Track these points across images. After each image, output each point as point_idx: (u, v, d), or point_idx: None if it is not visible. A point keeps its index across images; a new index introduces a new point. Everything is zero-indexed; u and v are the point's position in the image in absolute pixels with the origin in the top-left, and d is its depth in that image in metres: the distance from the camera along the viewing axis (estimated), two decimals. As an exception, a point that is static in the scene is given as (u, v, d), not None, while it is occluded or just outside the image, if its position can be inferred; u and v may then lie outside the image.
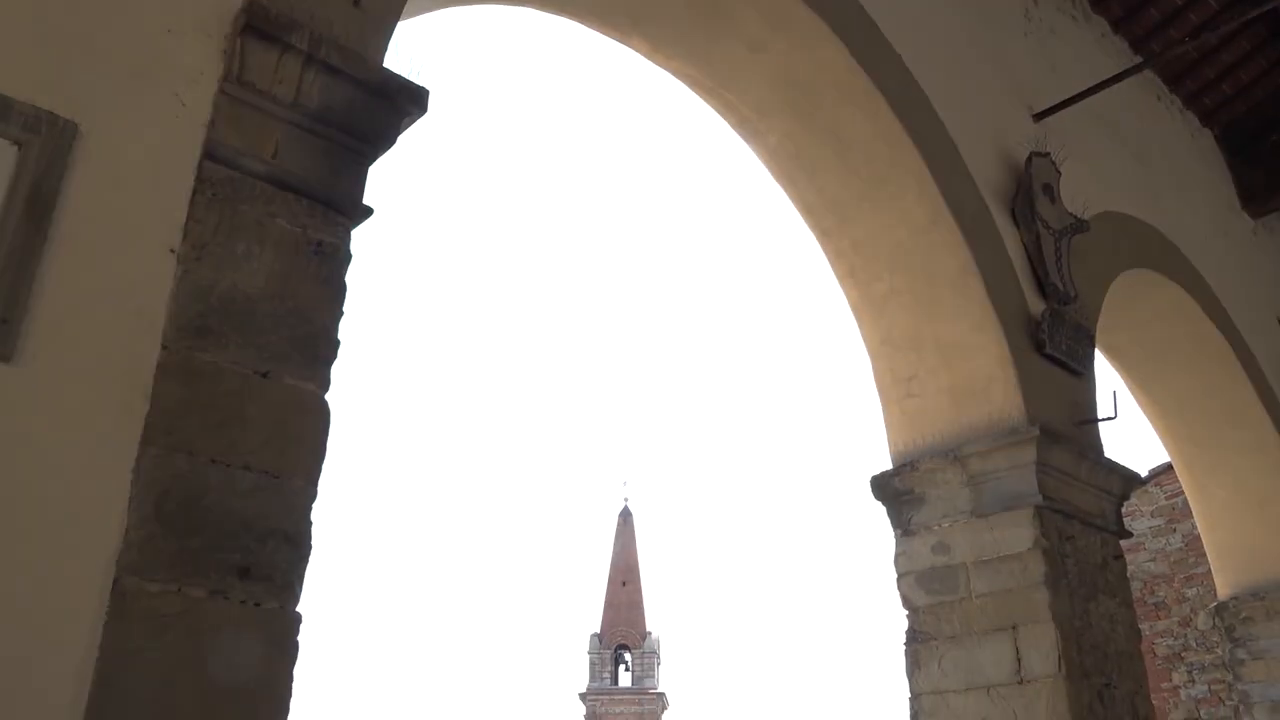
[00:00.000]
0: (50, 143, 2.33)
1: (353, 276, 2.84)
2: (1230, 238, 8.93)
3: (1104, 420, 6.00)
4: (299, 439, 2.56)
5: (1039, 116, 6.67)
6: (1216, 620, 8.19)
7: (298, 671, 2.39)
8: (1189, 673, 10.60)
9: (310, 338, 2.66)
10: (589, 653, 45.95)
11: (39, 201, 2.28)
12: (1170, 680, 10.64)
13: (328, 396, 2.66)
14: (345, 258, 2.83)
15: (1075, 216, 6.30)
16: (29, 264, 2.23)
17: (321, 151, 2.84)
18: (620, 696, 44.90)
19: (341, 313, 2.77)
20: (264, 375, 2.54)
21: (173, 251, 2.48)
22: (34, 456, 2.15)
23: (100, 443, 2.25)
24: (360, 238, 2.92)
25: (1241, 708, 7.97)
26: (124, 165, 2.46)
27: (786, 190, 6.10)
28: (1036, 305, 5.90)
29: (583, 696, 45.05)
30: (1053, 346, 5.78)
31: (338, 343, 2.73)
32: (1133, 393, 8.16)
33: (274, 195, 2.72)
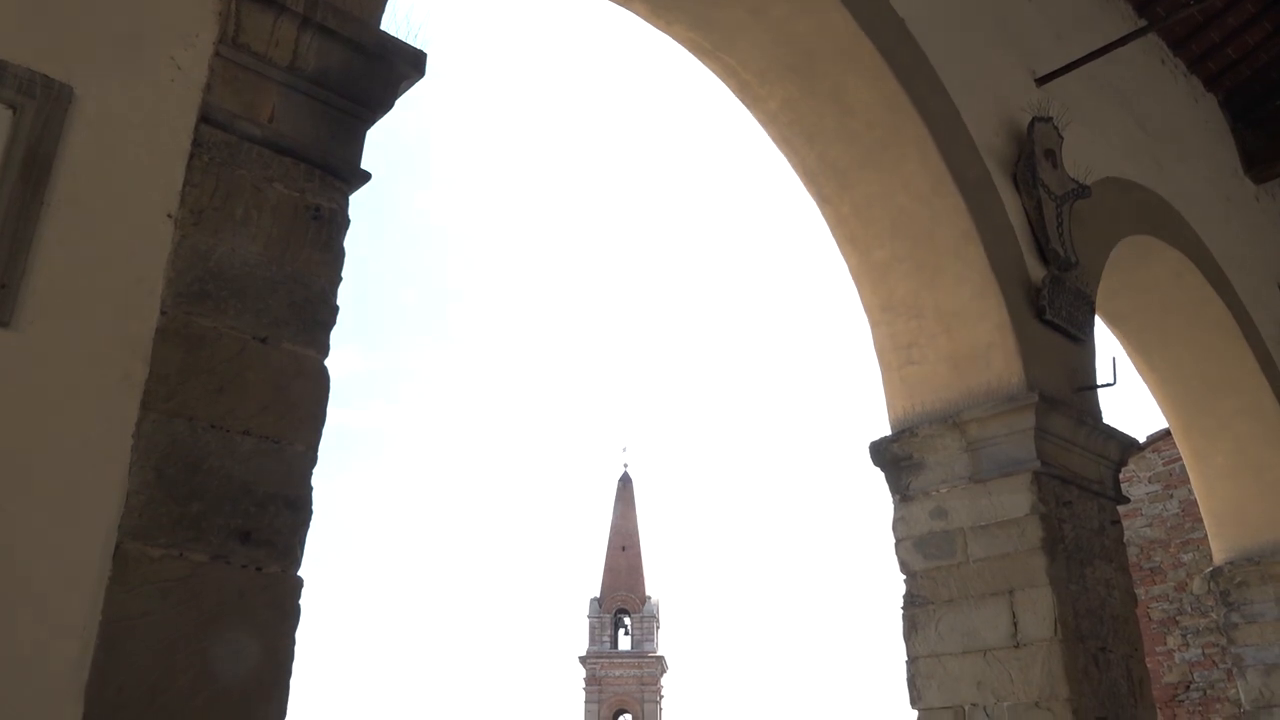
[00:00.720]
0: (45, 106, 2.31)
1: (351, 242, 2.84)
2: (1232, 203, 8.89)
3: (1103, 386, 6.01)
4: (298, 404, 2.56)
5: (1042, 81, 6.62)
6: (1211, 585, 8.25)
7: (299, 635, 2.41)
8: (1183, 636, 10.69)
9: (308, 303, 2.66)
10: (589, 616, 46.33)
11: (35, 165, 2.27)
12: (1165, 644, 10.73)
13: (327, 362, 2.66)
14: (343, 223, 2.82)
15: (1077, 182, 6.27)
16: (27, 228, 2.22)
17: (318, 115, 2.82)
18: (620, 659, 45.31)
19: (340, 278, 2.76)
20: (263, 341, 2.54)
21: (170, 216, 2.47)
22: (34, 422, 2.15)
23: (100, 408, 2.25)
24: (357, 202, 2.91)
25: (1235, 670, 8.05)
26: (120, 129, 2.44)
27: (787, 155, 6.06)
28: (1037, 271, 5.89)
29: (583, 659, 45.47)
30: (1053, 313, 5.78)
31: (336, 308, 2.73)
32: (1132, 359, 8.17)
33: (271, 159, 2.70)
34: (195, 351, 2.41)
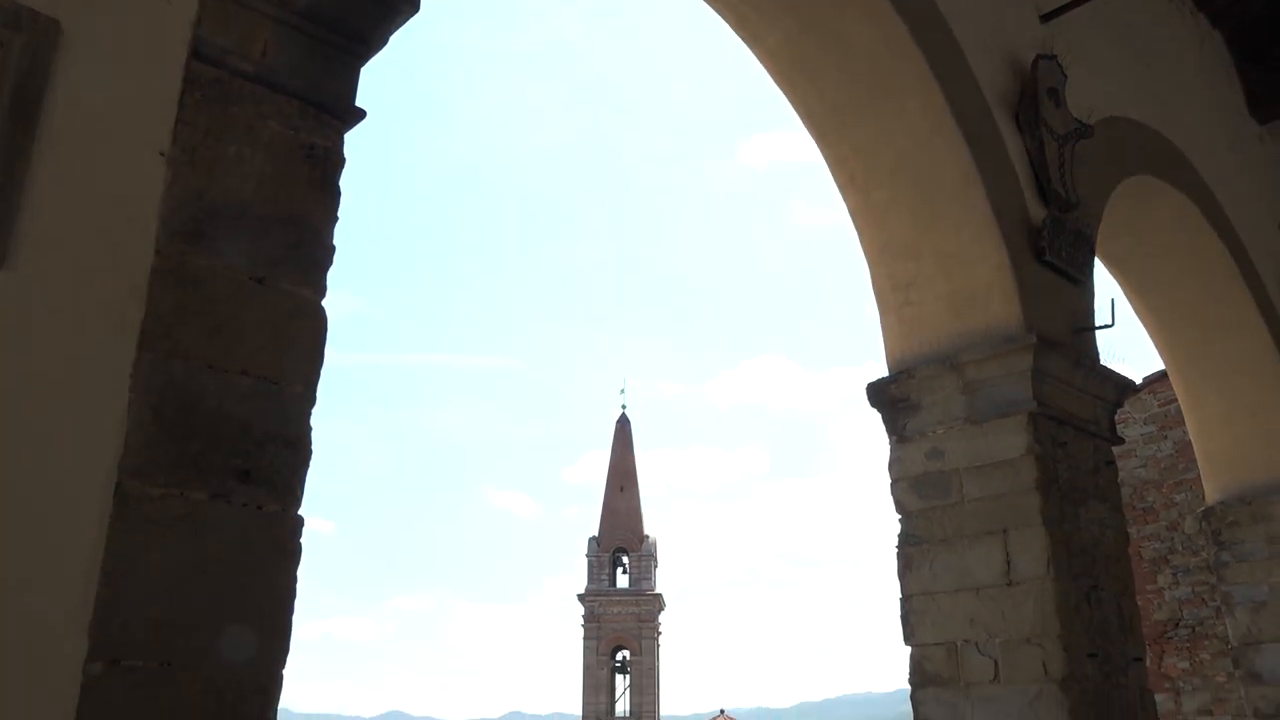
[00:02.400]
0: (33, 41, 2.26)
1: (347, 180, 2.81)
2: (1236, 143, 8.81)
3: (1101, 328, 6.01)
4: (296, 345, 2.55)
5: (1046, 18, 6.51)
6: (1203, 524, 8.34)
7: (301, 572, 2.44)
8: (1174, 575, 10.84)
9: (304, 243, 2.64)
10: (587, 555, 46.87)
11: (25, 101, 2.23)
12: (1155, 582, 10.88)
13: (324, 302, 2.65)
14: (338, 161, 2.78)
15: (1080, 122, 6.20)
16: (18, 166, 2.19)
17: (311, 51, 2.77)
18: (618, 597, 45.94)
19: (336, 217, 2.74)
20: (259, 281, 2.52)
21: (162, 154, 2.44)
22: (31, 361, 2.15)
23: (96, 347, 2.24)
24: (353, 140, 2.87)
25: (1224, 608, 8.18)
26: (109, 65, 2.40)
27: (787, 93, 5.99)
28: (1038, 212, 5.85)
29: (581, 597, 46.10)
30: (1053, 254, 5.75)
31: (332, 248, 2.71)
32: (1130, 301, 8.16)
33: (264, 97, 2.66)
34: (191, 291, 2.40)
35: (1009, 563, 5.14)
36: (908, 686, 5.40)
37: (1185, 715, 10.35)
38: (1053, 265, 5.78)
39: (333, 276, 2.72)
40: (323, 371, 2.61)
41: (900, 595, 5.53)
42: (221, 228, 2.49)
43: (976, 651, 5.14)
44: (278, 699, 2.32)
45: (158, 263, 2.37)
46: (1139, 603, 5.73)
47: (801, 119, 6.02)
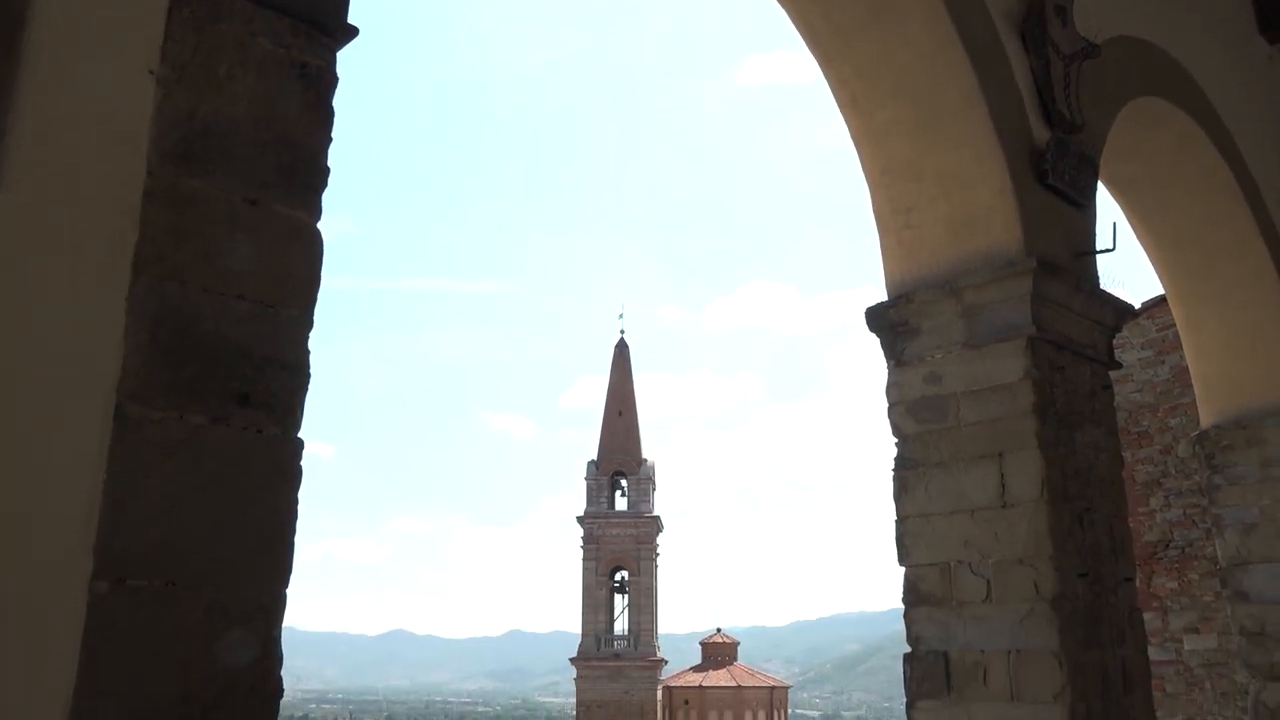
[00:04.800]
0: (14, -46, 2.20)
1: (340, 101, 2.76)
2: (1244, 65, 8.66)
3: (1102, 252, 5.98)
4: (291, 268, 2.54)
5: (1056, -68, 6.33)
6: (1197, 448, 8.42)
7: (301, 494, 2.46)
8: (1166, 498, 10.97)
9: (298, 164, 2.60)
10: (586, 478, 47.39)
11: (7, 16, 2.17)
12: (1147, 505, 11.02)
13: (319, 225, 2.63)
14: (331, 80, 2.73)
15: (1087, 41, 6.08)
16: (4, 84, 2.15)
17: (301, -35, 2.69)
18: (616, 520, 46.58)
19: (330, 139, 2.69)
20: (253, 203, 2.50)
21: (151, 73, 2.39)
22: (25, 284, 2.13)
23: (91, 270, 2.23)
24: (346, 58, 2.81)
25: (1214, 530, 8.30)
26: (94, -21, 2.34)
27: (788, 10, 5.86)
28: (1042, 134, 5.78)
29: (581, 520, 46.73)
30: (1055, 177, 5.70)
31: (326, 170, 2.67)
32: (1132, 224, 8.10)
33: (254, 13, 2.60)
34: (184, 213, 2.37)
35: (1004, 485, 5.20)
36: (901, 606, 5.50)
37: (1172, 633, 10.57)
38: (1055, 188, 5.73)
39: (327, 200, 2.69)
40: (320, 296, 2.60)
41: (896, 517, 5.60)
42: (214, 149, 2.45)
43: (969, 572, 5.22)
44: (281, 617, 2.36)
45: (150, 185, 2.34)
46: (1130, 525, 5.81)
47: (804, 38, 5.91)
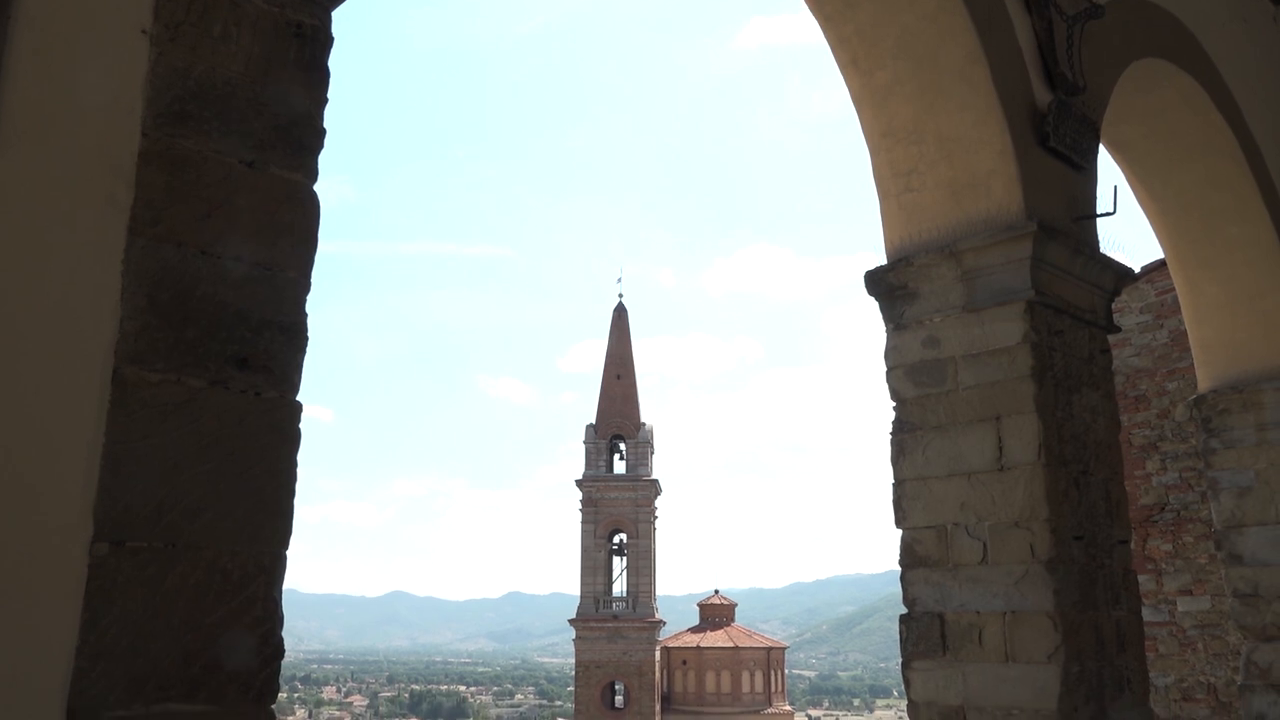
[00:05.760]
0: (2, -90, 2.16)
1: (336, 62, 2.73)
2: (1248, 25, 8.57)
3: (1103, 216, 5.96)
4: (289, 230, 2.52)
5: (1061, -111, 6.24)
6: (1194, 412, 8.43)
7: (301, 457, 2.46)
8: (1162, 461, 11.01)
9: (293, 125, 2.58)
10: (585, 442, 47.53)
11: (-3, -25, 2.14)
12: (1144, 468, 11.06)
13: (315, 187, 2.61)
14: (326, 40, 2.70)
15: (1090, 1, 6.01)
16: (-6, 45, 2.12)
17: (295, -78, 2.65)
18: (615, 483, 46.78)
19: (325, 99, 2.67)
20: (249, 165, 2.48)
21: (144, 32, 2.36)
22: (18, 247, 2.12)
23: (87, 232, 2.21)
24: (341, 18, 2.78)
25: (1209, 493, 8.34)
26: (84, -64, 2.30)
27: (789, -30, 5.78)
28: (1043, 96, 5.73)
29: (579, 483, 46.92)
30: (1057, 139, 5.66)
31: (322, 131, 2.65)
32: (1133, 188, 8.06)
33: (247, -29, 2.56)
34: (180, 175, 2.35)
35: (1001, 449, 5.21)
36: (897, 568, 5.54)
37: (1166, 594, 10.66)
38: (1056, 151, 5.69)
39: (325, 164, 2.67)
40: (318, 260, 2.60)
41: (893, 480, 5.63)
42: (209, 109, 2.43)
43: (966, 534, 5.25)
44: (282, 579, 2.37)
45: (145, 145, 2.32)
46: (1126, 488, 5.84)
47: (806, 1, 5.84)
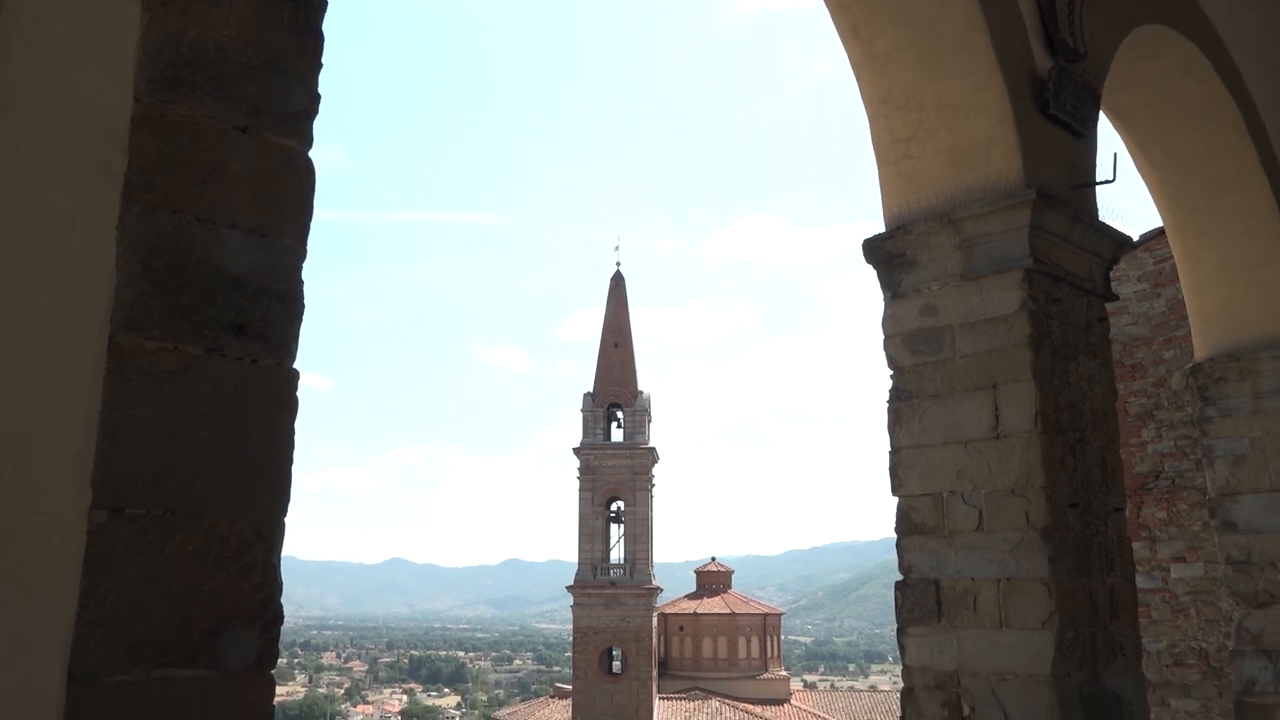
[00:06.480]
0: None
1: (330, 26, 2.70)
2: (1252, -10, 8.48)
3: (1102, 184, 5.93)
4: (284, 197, 2.50)
5: None
6: (1190, 380, 8.45)
7: (300, 425, 2.46)
8: (1158, 429, 11.04)
9: (288, 91, 2.55)
10: (582, 410, 47.58)
11: (-15, -63, 2.11)
12: (1139, 436, 11.10)
13: (310, 153, 2.59)
14: (320, 4, 2.67)
15: (1092, -35, 5.95)
16: (-17, 8, 2.10)
17: (287, -117, 2.61)
18: (612, 451, 46.88)
19: (320, 64, 2.64)
20: (243, 130, 2.46)
21: (136, -4, 2.33)
22: (9, 214, 2.10)
23: (81, 199, 2.20)
24: (335, -18, 2.75)
25: (1204, 461, 8.37)
26: (74, -103, 2.26)
27: (789, -66, 5.72)
28: (1044, 63, 5.68)
29: (577, 451, 47.03)
30: (1057, 107, 5.62)
31: (317, 96, 2.62)
32: (1133, 156, 8.02)
33: (240, -67, 2.52)
34: (174, 141, 2.33)
35: (998, 417, 5.22)
36: (893, 535, 5.57)
37: (1159, 561, 10.73)
38: (1056, 118, 5.66)
39: (320, 132, 2.65)
40: (314, 229, 2.58)
41: (890, 448, 5.64)
42: (202, 75, 2.41)
43: (962, 502, 5.28)
44: (280, 545, 2.38)
45: (138, 112, 2.30)
46: (1122, 456, 5.86)
47: (803, -38, 5.78)
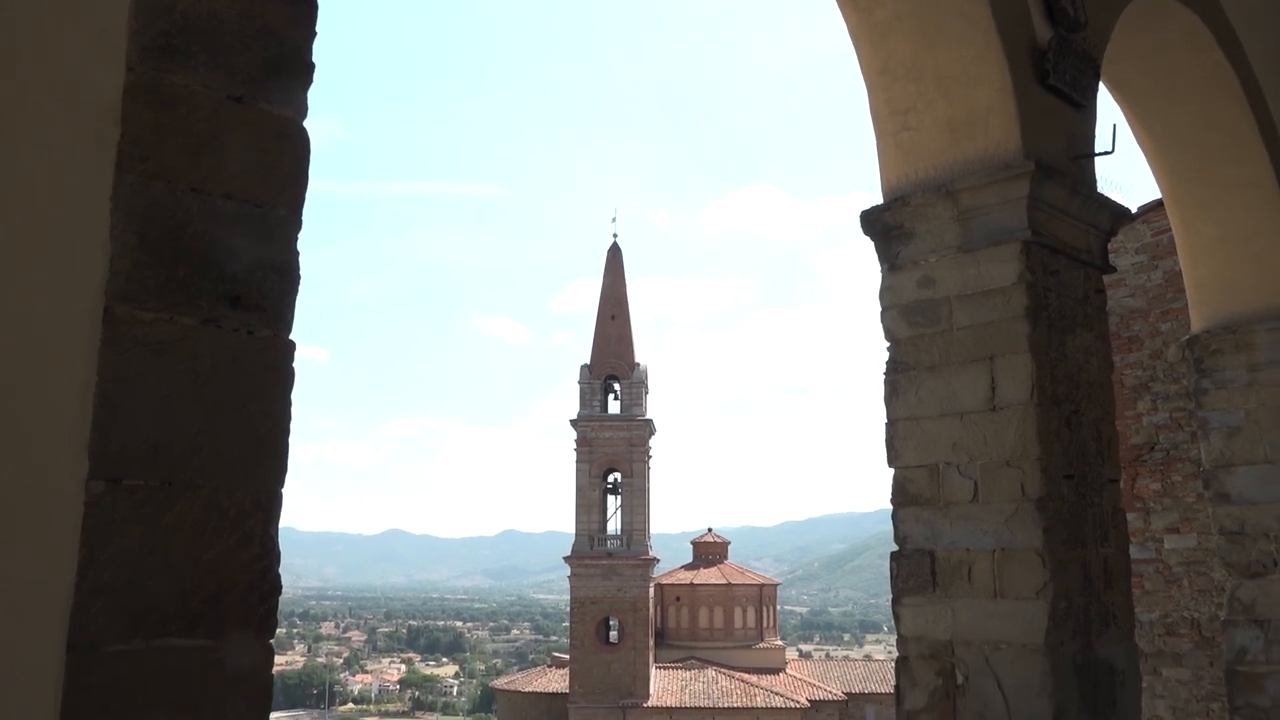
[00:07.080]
0: None
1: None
2: (1255, -41, 8.41)
3: (1101, 155, 5.91)
4: (279, 167, 2.49)
5: None
6: (1186, 352, 8.46)
7: (297, 397, 2.46)
8: (1153, 401, 11.07)
9: (282, 60, 2.53)
10: (579, 383, 47.63)
11: (-26, -97, 2.09)
12: (1135, 408, 11.13)
13: (305, 123, 2.57)
14: (314, -28, 2.64)
15: (1094, -66, 5.90)
16: (-27, -25, 2.07)
17: None
18: (609, 423, 46.99)
19: (314, 33, 2.62)
20: (238, 100, 2.44)
21: (127, -37, 2.30)
22: (4, 184, 2.09)
23: (74, 168, 2.18)
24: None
25: (1199, 433, 8.40)
26: None
27: (787, -99, 5.66)
28: (1044, 32, 5.64)
29: (574, 422, 47.12)
30: (1056, 77, 5.59)
31: (312, 65, 2.60)
32: (1132, 127, 7.98)
33: (232, -101, 2.49)
34: (168, 111, 2.31)
35: (994, 388, 5.23)
36: (888, 507, 5.60)
37: (1153, 532, 10.79)
38: (1056, 89, 5.62)
39: (315, 103, 2.63)
40: (310, 200, 2.57)
41: (886, 420, 5.65)
42: (196, 43, 2.38)
43: (957, 473, 5.30)
44: (278, 516, 2.38)
45: (131, 81, 2.28)
46: (1118, 428, 5.88)
47: (802, -71, 5.72)
